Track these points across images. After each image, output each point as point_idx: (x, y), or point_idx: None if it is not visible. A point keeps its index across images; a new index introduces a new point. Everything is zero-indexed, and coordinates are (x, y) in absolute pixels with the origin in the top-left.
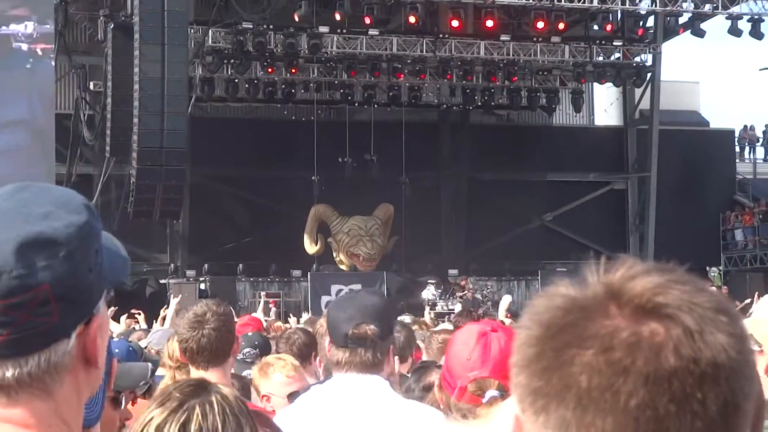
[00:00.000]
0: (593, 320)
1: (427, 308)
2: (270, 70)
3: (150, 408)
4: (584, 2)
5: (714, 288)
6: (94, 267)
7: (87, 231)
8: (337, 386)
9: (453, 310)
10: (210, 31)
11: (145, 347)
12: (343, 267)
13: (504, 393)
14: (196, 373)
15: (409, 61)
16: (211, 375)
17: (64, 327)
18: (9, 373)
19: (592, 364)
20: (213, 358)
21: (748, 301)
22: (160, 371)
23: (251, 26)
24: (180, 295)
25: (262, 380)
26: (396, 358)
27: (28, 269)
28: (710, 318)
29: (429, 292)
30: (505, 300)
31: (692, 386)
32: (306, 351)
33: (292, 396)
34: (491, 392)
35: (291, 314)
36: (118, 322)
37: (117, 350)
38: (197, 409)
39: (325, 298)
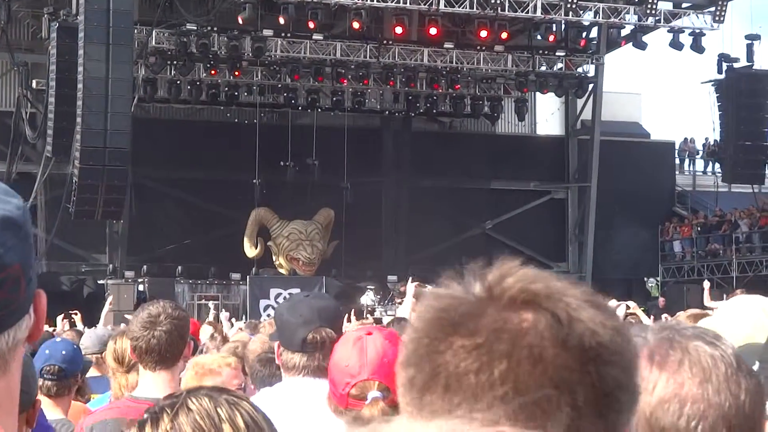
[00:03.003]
0: (465, 314)
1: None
2: (213, 72)
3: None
4: (528, 12)
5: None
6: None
7: (27, 212)
8: (290, 390)
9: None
10: (154, 31)
11: None
12: (282, 271)
13: (387, 393)
14: (144, 372)
15: (352, 66)
16: (159, 376)
17: (27, 304)
18: None
19: (458, 349)
20: (162, 361)
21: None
22: (92, 371)
23: (195, 28)
24: (112, 296)
25: (209, 378)
26: None
27: (3, 248)
28: (581, 307)
29: (368, 298)
30: (409, 288)
31: (558, 370)
32: None
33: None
34: (373, 393)
35: (233, 318)
36: (55, 323)
37: (63, 352)
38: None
39: (263, 302)
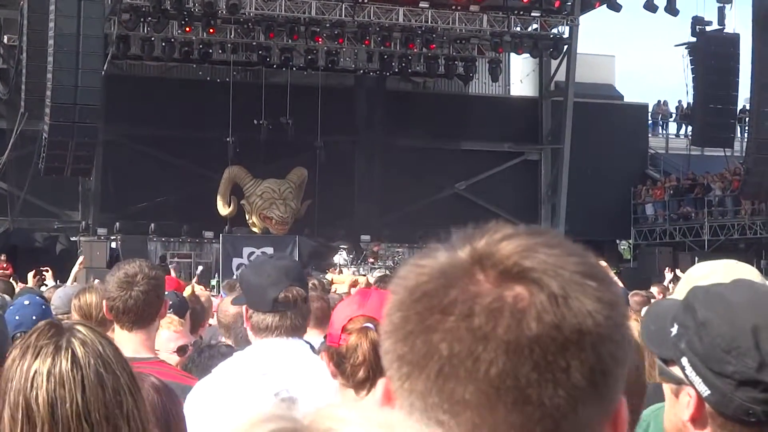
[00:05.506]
0: (456, 286)
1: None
2: (187, 29)
3: (22, 360)
4: None
5: (587, 253)
6: None
7: None
8: (263, 351)
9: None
10: None
11: None
12: (255, 230)
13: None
14: (120, 332)
15: (327, 25)
16: (135, 336)
17: None
18: None
19: (452, 330)
20: (138, 320)
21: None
22: None
23: None
24: (84, 255)
25: None
26: None
27: None
28: (577, 283)
29: (341, 257)
30: None
31: (555, 354)
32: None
33: (181, 350)
34: (366, 325)
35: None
36: (26, 281)
37: (27, 302)
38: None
39: (236, 261)
